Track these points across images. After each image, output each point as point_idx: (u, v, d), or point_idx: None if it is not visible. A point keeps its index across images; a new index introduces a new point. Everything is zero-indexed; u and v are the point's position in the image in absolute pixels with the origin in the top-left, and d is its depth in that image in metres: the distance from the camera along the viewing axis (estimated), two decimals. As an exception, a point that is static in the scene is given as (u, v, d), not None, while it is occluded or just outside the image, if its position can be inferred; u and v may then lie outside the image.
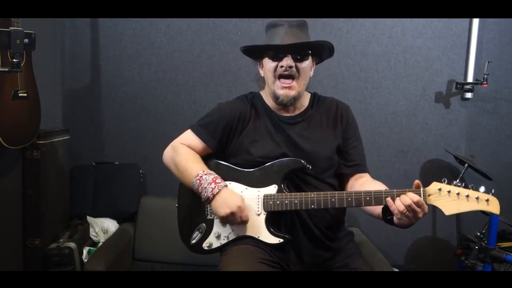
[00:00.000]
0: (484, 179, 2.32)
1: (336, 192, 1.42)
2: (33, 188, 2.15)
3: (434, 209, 2.79)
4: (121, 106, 2.60)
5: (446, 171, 2.54)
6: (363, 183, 1.54)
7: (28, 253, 2.16)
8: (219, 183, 1.46)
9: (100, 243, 2.31)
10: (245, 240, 1.50)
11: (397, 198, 1.30)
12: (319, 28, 2.47)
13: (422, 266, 2.55)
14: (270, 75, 1.53)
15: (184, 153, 1.57)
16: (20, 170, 2.13)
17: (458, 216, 2.34)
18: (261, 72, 1.62)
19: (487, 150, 2.54)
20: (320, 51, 1.59)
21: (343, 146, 1.59)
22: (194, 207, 1.58)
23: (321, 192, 1.42)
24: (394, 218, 1.32)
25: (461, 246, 2.38)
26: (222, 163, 1.58)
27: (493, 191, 1.28)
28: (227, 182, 1.51)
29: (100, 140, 2.62)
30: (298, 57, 1.49)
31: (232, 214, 1.42)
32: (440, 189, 1.30)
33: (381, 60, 2.53)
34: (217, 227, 1.54)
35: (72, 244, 2.19)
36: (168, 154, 1.61)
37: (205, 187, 1.44)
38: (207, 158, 1.59)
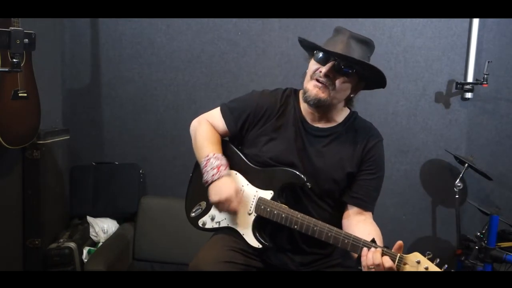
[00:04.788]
0: (484, 179, 2.32)
1: (320, 222, 1.38)
2: (33, 188, 2.15)
3: (434, 209, 2.78)
4: (121, 106, 2.60)
5: (446, 171, 2.54)
6: (359, 221, 1.48)
7: (28, 253, 2.16)
8: (221, 171, 1.47)
9: (100, 243, 2.31)
10: (231, 232, 1.52)
11: (372, 251, 1.27)
12: (319, 28, 2.47)
13: (422, 266, 2.55)
14: (308, 75, 1.48)
15: (206, 130, 1.60)
16: (20, 170, 2.13)
17: (458, 216, 2.34)
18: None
19: (487, 150, 2.54)
20: (367, 76, 1.47)
21: (355, 175, 1.52)
22: (202, 183, 1.59)
23: (307, 217, 1.39)
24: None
25: (461, 246, 2.38)
26: (236, 153, 1.58)
27: None
28: (234, 172, 1.53)
29: (100, 140, 2.62)
30: (342, 67, 1.40)
31: (220, 203, 1.45)
32: (418, 262, 1.23)
33: (381, 60, 2.52)
34: (213, 210, 1.56)
35: (72, 244, 2.19)
36: (194, 125, 1.66)
37: (208, 171, 1.47)
38: (227, 143, 1.62)
